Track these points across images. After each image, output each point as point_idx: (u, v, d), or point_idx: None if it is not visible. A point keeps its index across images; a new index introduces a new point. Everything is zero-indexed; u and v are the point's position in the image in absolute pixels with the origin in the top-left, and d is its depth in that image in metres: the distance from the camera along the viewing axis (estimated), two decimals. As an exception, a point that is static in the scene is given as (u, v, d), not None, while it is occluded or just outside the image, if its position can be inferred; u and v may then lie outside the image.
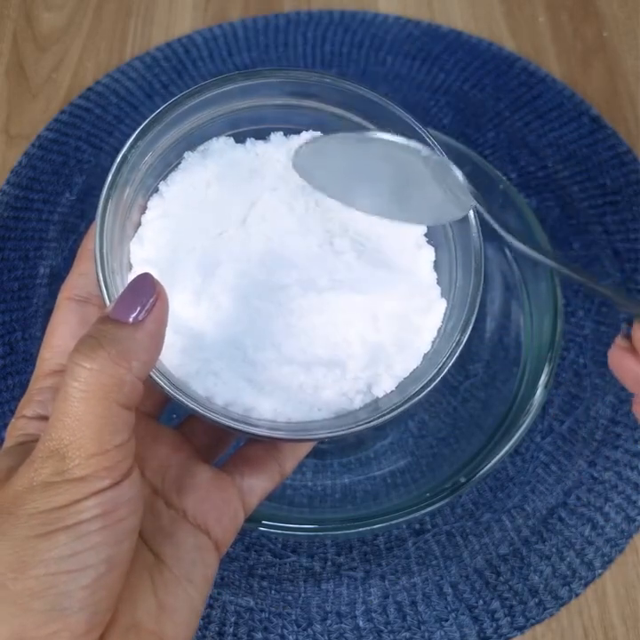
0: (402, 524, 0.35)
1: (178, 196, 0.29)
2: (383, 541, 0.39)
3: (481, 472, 0.35)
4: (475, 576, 0.38)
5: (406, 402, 0.27)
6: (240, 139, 0.30)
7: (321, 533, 0.35)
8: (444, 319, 0.30)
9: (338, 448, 0.42)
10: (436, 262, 0.31)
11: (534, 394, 0.37)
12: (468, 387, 0.43)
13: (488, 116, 0.53)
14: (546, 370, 0.37)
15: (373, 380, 0.29)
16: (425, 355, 0.29)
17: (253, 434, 0.25)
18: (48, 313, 0.45)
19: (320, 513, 0.39)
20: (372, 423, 0.26)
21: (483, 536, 0.39)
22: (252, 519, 0.34)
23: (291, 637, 0.37)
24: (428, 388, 0.27)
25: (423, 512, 0.35)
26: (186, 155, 0.30)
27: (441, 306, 0.30)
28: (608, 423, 0.42)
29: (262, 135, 0.31)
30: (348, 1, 0.59)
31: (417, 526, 0.40)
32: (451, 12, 0.58)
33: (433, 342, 0.29)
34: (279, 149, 0.30)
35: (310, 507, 0.40)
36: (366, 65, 0.55)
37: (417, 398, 0.27)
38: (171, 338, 0.23)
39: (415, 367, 0.29)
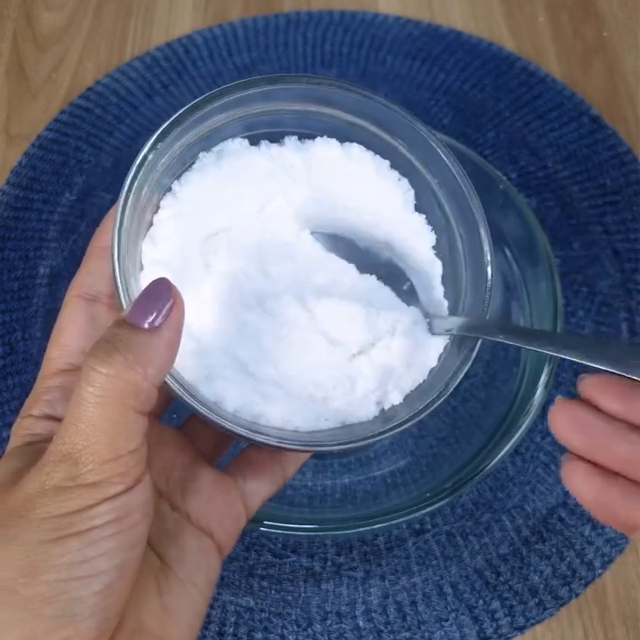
0: (402, 523, 0.35)
1: (191, 197, 0.28)
2: (383, 541, 0.39)
3: (481, 472, 0.35)
4: (475, 576, 0.38)
5: (415, 416, 0.27)
6: (254, 141, 0.30)
7: (321, 533, 0.35)
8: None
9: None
10: (443, 276, 0.31)
11: (534, 394, 0.37)
12: (467, 387, 0.43)
13: (488, 116, 0.53)
14: (546, 370, 0.37)
15: (382, 397, 0.29)
16: (431, 369, 0.29)
17: (263, 443, 0.25)
18: (48, 313, 0.45)
19: (320, 513, 0.39)
20: (380, 437, 0.26)
21: (483, 536, 0.39)
22: (253, 519, 0.33)
23: (291, 637, 0.37)
24: (436, 404, 0.27)
25: (423, 512, 0.35)
26: (201, 155, 0.29)
27: None
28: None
29: (276, 138, 0.31)
30: (348, 1, 0.59)
31: (417, 526, 0.40)
32: (451, 12, 0.58)
33: (439, 358, 0.29)
34: (294, 153, 0.30)
35: (310, 507, 0.40)
36: (366, 65, 0.55)
37: (425, 413, 0.27)
38: (182, 340, 0.23)
39: (422, 381, 0.29)
